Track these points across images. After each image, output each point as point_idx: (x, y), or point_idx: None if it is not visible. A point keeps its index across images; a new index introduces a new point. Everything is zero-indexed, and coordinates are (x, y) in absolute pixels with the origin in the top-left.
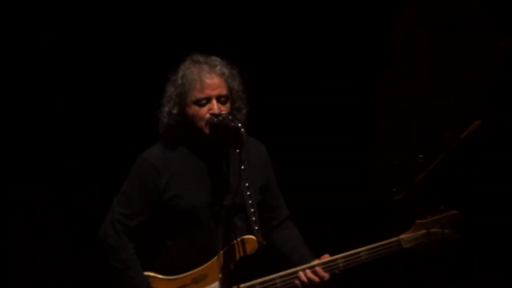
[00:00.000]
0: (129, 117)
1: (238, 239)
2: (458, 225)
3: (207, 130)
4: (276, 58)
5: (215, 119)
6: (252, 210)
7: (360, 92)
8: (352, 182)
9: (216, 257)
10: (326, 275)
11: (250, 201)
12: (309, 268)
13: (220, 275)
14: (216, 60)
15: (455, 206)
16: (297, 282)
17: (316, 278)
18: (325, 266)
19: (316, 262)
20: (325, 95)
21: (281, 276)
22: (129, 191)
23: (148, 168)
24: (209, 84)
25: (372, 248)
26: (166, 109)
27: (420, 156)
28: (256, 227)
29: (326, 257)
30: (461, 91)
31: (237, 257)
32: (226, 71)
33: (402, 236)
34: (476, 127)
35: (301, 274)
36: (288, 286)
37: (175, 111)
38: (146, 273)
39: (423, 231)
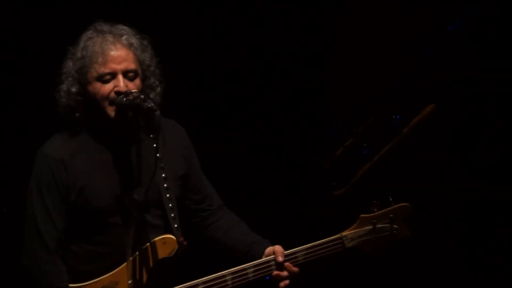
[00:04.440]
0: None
1: (154, 240)
2: (409, 220)
3: (112, 112)
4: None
5: (124, 99)
6: (170, 205)
7: (310, 78)
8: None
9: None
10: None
11: (167, 195)
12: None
13: (129, 282)
14: (123, 29)
15: (405, 199)
16: (275, 273)
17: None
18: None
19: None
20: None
21: (255, 265)
22: (38, 200)
23: (52, 165)
24: (113, 56)
25: (310, 247)
26: (64, 87)
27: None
28: (176, 225)
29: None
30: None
31: (153, 260)
32: (134, 41)
33: (345, 233)
34: (429, 111)
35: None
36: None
37: (74, 90)
38: None
39: (369, 227)
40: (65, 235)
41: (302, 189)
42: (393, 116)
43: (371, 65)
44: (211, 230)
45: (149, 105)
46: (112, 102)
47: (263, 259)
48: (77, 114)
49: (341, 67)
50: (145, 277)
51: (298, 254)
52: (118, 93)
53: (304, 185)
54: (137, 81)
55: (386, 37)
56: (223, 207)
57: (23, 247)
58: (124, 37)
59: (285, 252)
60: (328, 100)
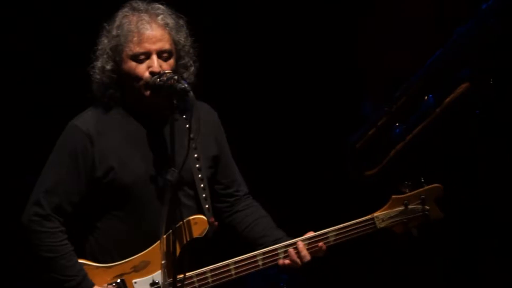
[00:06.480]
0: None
1: (185, 220)
2: (440, 201)
3: (146, 92)
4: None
5: (158, 79)
6: (202, 186)
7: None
8: (322, 157)
9: (159, 241)
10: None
11: (199, 176)
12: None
13: (162, 262)
14: (159, 8)
15: (437, 179)
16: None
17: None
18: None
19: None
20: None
21: (286, 246)
22: (55, 166)
23: (78, 137)
24: (148, 36)
25: (342, 228)
26: (99, 64)
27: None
28: (207, 206)
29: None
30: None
31: (184, 240)
32: (170, 21)
33: (376, 214)
34: (463, 91)
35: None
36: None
37: (108, 67)
38: (78, 260)
39: (401, 208)
40: (70, 210)
41: (334, 170)
42: (426, 96)
43: (404, 44)
44: (236, 218)
45: (183, 86)
46: (146, 82)
47: (293, 240)
48: (111, 91)
49: (374, 46)
50: (176, 257)
51: (329, 235)
52: (152, 73)
53: (336, 166)
54: (171, 61)
55: (419, 15)
56: (249, 195)
57: (26, 204)
58: (160, 17)
59: (317, 232)
60: (361, 79)
